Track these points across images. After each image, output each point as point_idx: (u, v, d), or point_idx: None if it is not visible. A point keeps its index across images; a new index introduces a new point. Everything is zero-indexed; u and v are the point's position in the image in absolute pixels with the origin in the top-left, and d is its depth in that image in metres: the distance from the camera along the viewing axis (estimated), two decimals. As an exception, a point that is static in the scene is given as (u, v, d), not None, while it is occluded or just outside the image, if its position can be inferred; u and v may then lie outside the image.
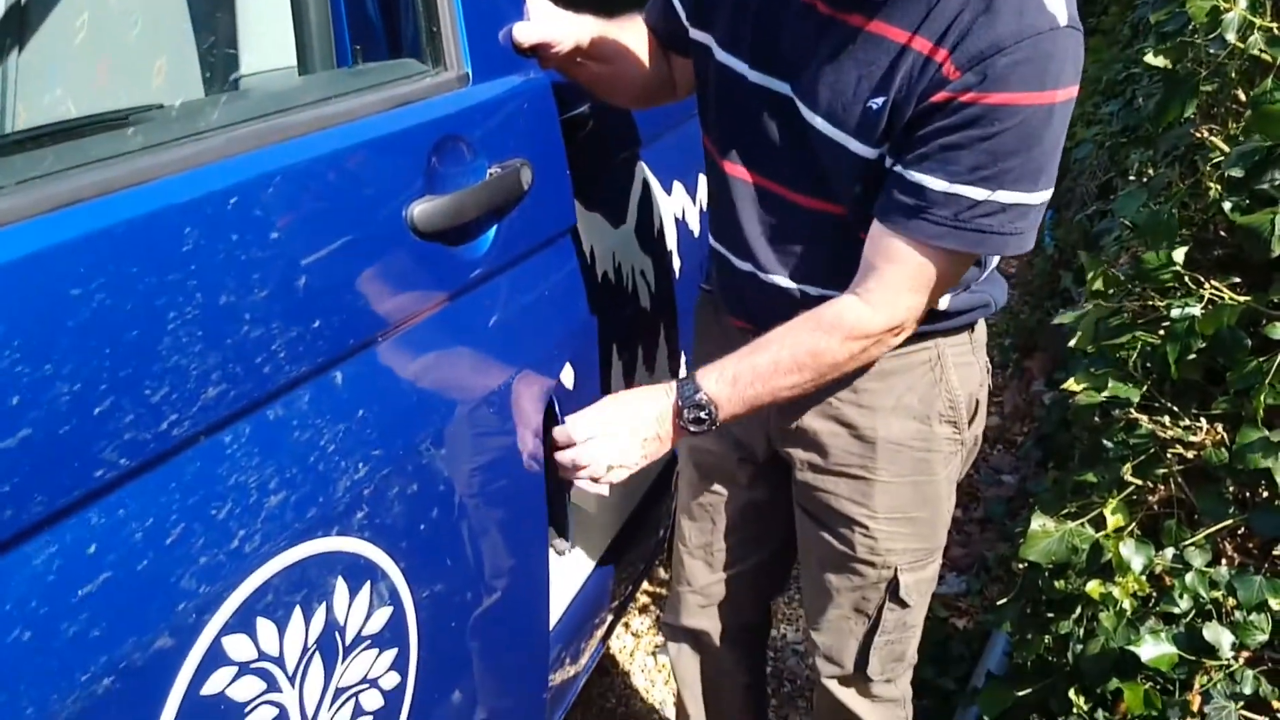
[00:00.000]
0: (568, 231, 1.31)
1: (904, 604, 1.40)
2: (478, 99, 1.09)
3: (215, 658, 0.77)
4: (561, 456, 1.22)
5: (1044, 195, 1.12)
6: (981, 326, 1.38)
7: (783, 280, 1.28)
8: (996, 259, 1.31)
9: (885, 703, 1.52)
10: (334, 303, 0.88)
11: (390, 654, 0.95)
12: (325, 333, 0.87)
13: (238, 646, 0.79)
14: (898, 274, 1.15)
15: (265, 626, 0.81)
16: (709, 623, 1.62)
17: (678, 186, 1.83)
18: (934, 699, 2.03)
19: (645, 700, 2.17)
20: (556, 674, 1.63)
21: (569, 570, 1.58)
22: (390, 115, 0.98)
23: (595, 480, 1.23)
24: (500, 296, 1.14)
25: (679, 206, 1.84)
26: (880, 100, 1.11)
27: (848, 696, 1.50)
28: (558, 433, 1.22)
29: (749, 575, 1.59)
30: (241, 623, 0.78)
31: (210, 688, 0.77)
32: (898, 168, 1.12)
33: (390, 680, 0.96)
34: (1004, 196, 1.08)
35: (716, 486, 1.52)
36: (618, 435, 1.22)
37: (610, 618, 1.88)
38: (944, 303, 1.27)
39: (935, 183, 1.09)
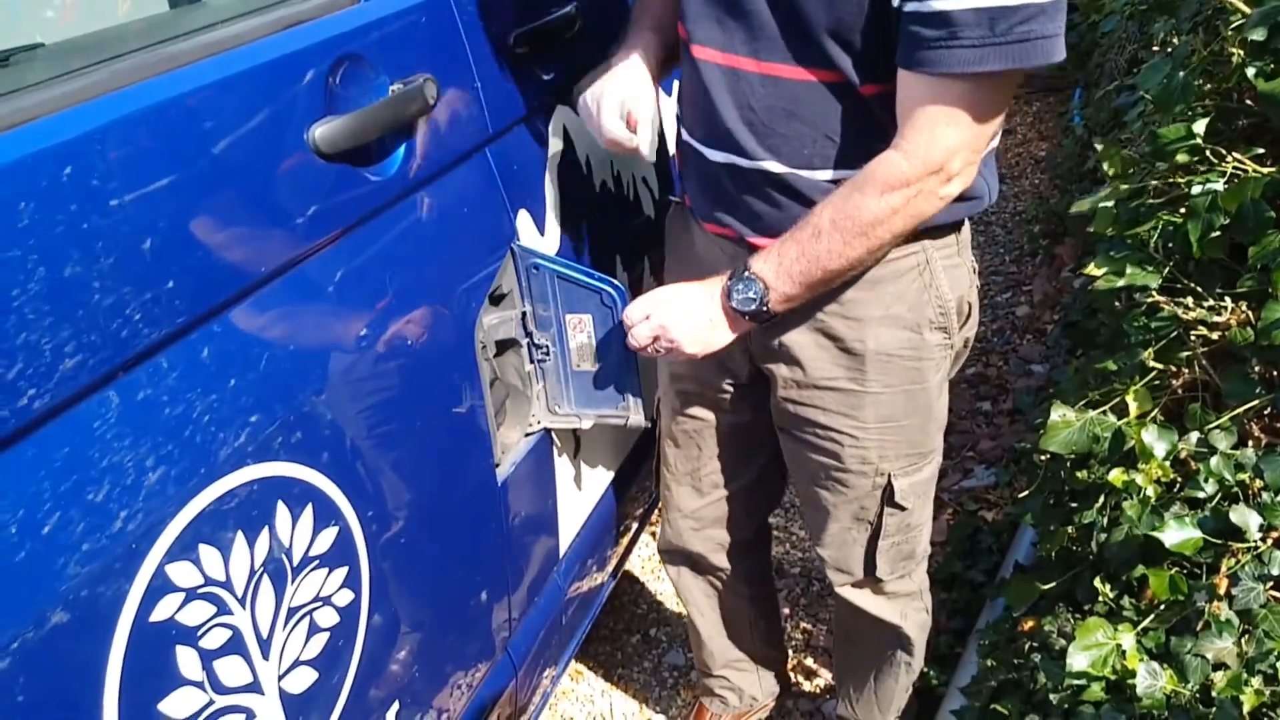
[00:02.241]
0: (485, 145, 1.27)
1: (901, 508, 1.39)
2: (372, 15, 1.06)
3: (161, 585, 0.79)
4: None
5: None
6: (966, 225, 1.32)
7: (770, 165, 1.20)
8: (995, 141, 1.23)
9: (901, 597, 1.52)
10: (245, 231, 0.89)
11: (340, 572, 0.98)
12: (239, 261, 0.88)
13: (182, 573, 0.81)
14: (930, 113, 1.06)
15: (209, 553, 0.83)
16: (703, 545, 1.62)
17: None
18: (963, 591, 2.04)
19: (674, 606, 2.20)
20: (581, 583, 1.65)
21: (586, 483, 1.59)
22: (282, 37, 0.96)
23: (656, 352, 1.25)
24: (418, 213, 1.12)
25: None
26: None
27: (863, 599, 1.50)
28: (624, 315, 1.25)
29: (739, 496, 1.58)
30: (183, 550, 0.81)
31: (159, 614, 0.79)
32: (910, 4, 1.02)
33: (344, 597, 0.99)
34: None
35: (699, 411, 1.49)
36: (669, 314, 1.22)
37: (635, 526, 1.90)
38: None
39: (960, 2, 0.99)
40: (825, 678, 2.01)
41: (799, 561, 2.29)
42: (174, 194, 0.82)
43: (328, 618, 0.97)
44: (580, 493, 1.56)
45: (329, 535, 0.95)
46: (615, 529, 1.73)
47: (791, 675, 2.00)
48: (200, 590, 0.82)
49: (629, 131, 1.26)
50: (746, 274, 1.17)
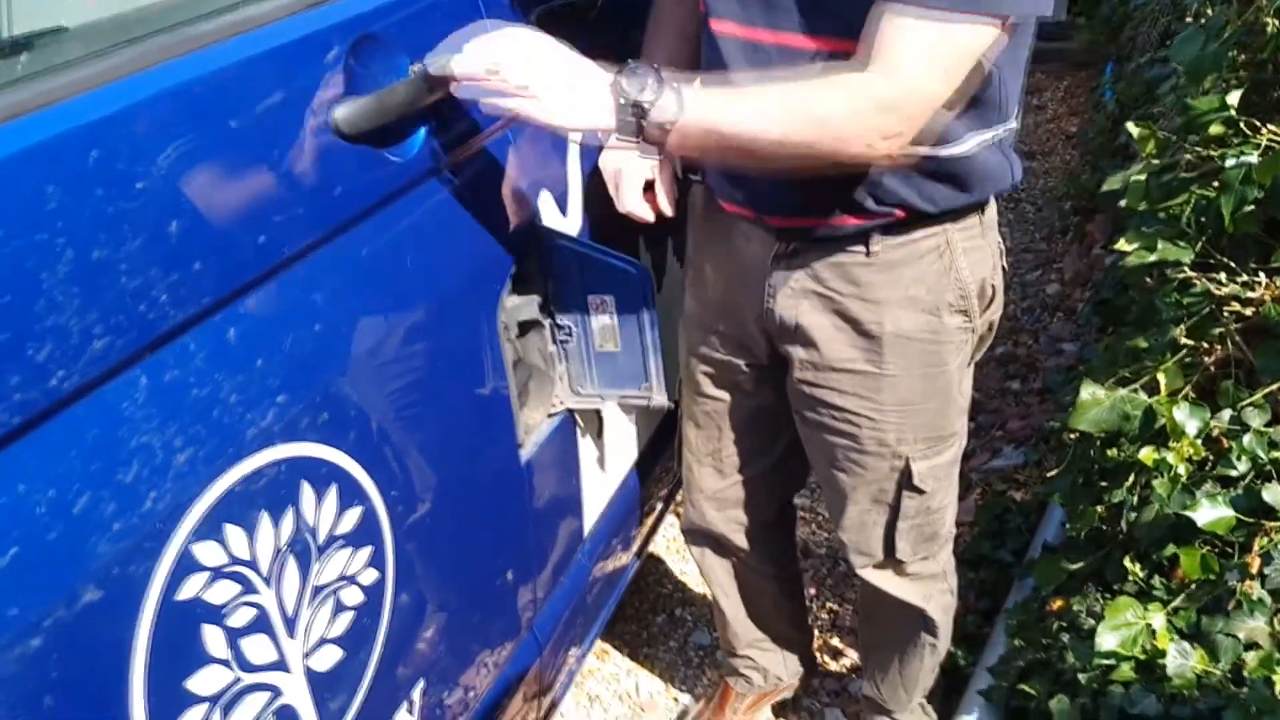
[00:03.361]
0: (508, 125, 1.25)
1: (920, 491, 1.37)
2: None
3: (187, 565, 0.79)
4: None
5: None
6: (992, 205, 1.29)
7: None
8: (1014, 121, 1.21)
9: (924, 579, 1.51)
10: (268, 213, 0.88)
11: (365, 552, 0.98)
12: (264, 242, 0.88)
13: (208, 553, 0.81)
14: (911, 50, 1.00)
15: (234, 532, 0.83)
16: (726, 526, 1.62)
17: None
18: (991, 571, 2.02)
19: (699, 586, 2.20)
20: (605, 562, 1.65)
21: (610, 464, 1.59)
22: (301, 18, 0.96)
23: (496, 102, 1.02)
24: (441, 194, 1.11)
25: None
26: None
27: (885, 580, 1.49)
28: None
29: (760, 478, 1.57)
30: (210, 530, 0.81)
31: (185, 593, 0.79)
32: None
33: (369, 576, 0.99)
34: None
35: (720, 392, 1.48)
36: (552, 65, 1.02)
37: (659, 506, 1.90)
38: (954, 178, 1.18)
39: None
40: (851, 657, 2.01)
41: (824, 542, 2.29)
42: (198, 176, 0.82)
43: (353, 596, 0.97)
44: (604, 473, 1.56)
45: (354, 515, 0.96)
46: (639, 509, 1.73)
47: (817, 655, 1.99)
48: (226, 569, 0.83)
49: (647, 207, 1.31)
50: (647, 74, 1.02)
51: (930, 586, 1.53)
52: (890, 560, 1.46)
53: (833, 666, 2.00)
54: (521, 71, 0.99)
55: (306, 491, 0.90)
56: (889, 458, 1.35)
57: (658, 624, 2.15)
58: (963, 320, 1.29)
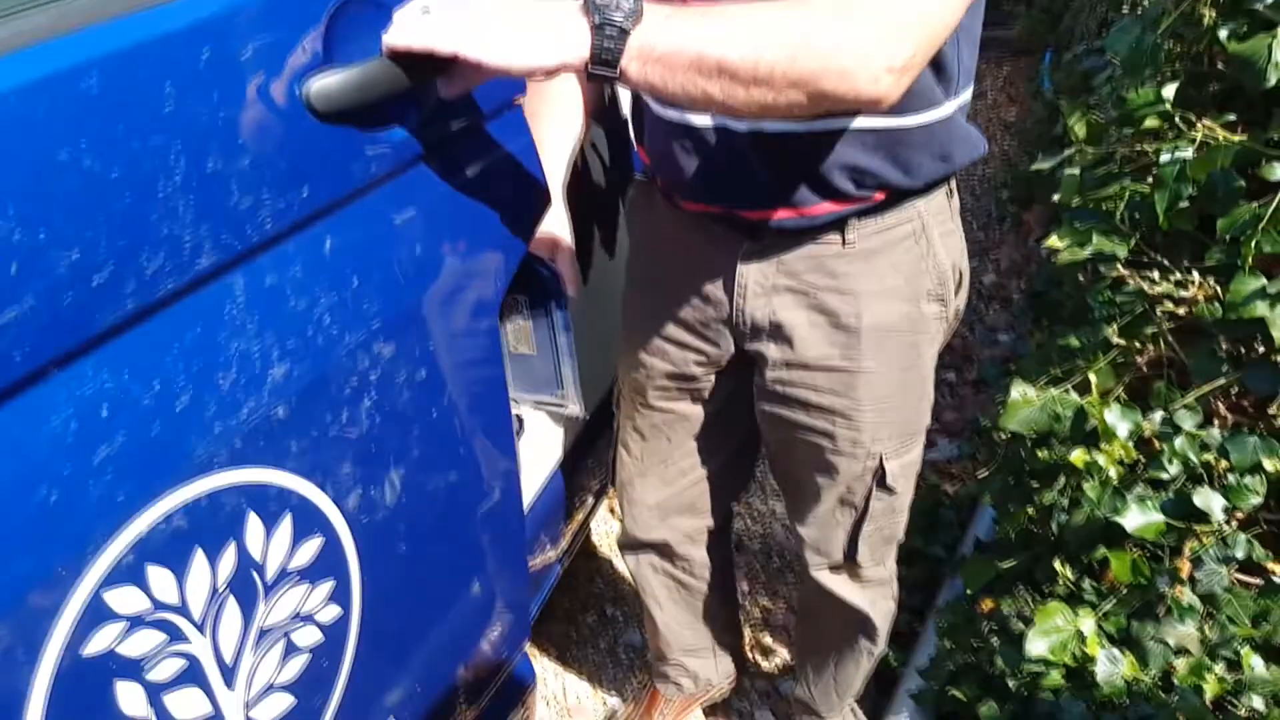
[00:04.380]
0: (515, 104, 1.16)
1: (891, 491, 1.32)
2: None
3: (97, 614, 0.70)
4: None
5: None
6: (955, 192, 1.25)
7: (766, 123, 1.09)
8: (968, 94, 1.16)
9: (874, 584, 1.46)
10: (223, 202, 0.77)
11: (325, 586, 0.89)
12: (214, 236, 0.77)
13: (123, 599, 0.72)
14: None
15: (158, 574, 0.74)
16: (669, 533, 1.56)
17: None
18: (923, 567, 1.99)
19: (630, 583, 2.15)
20: (534, 558, 1.58)
21: (541, 454, 1.52)
22: None
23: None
24: (430, 185, 0.99)
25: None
26: None
27: (836, 583, 1.44)
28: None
29: (707, 483, 1.51)
30: (125, 574, 0.71)
31: (94, 647, 0.70)
32: None
33: (329, 613, 0.90)
34: None
35: (671, 404, 1.41)
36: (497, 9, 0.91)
37: (591, 500, 1.84)
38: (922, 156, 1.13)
39: None
40: (783, 656, 1.97)
41: (759, 537, 2.24)
42: (139, 153, 0.71)
43: (308, 637, 0.88)
44: (526, 473, 1.49)
45: (312, 547, 0.86)
46: (565, 509, 1.67)
47: (749, 654, 1.96)
48: (148, 617, 0.73)
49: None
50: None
51: (877, 592, 1.48)
52: (848, 563, 1.42)
53: (764, 665, 1.96)
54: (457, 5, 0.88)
55: (253, 523, 0.80)
56: (863, 458, 1.30)
57: (588, 623, 2.09)
58: (939, 308, 1.24)
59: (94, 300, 0.69)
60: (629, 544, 1.59)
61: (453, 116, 1.00)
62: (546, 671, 1.99)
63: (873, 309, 1.20)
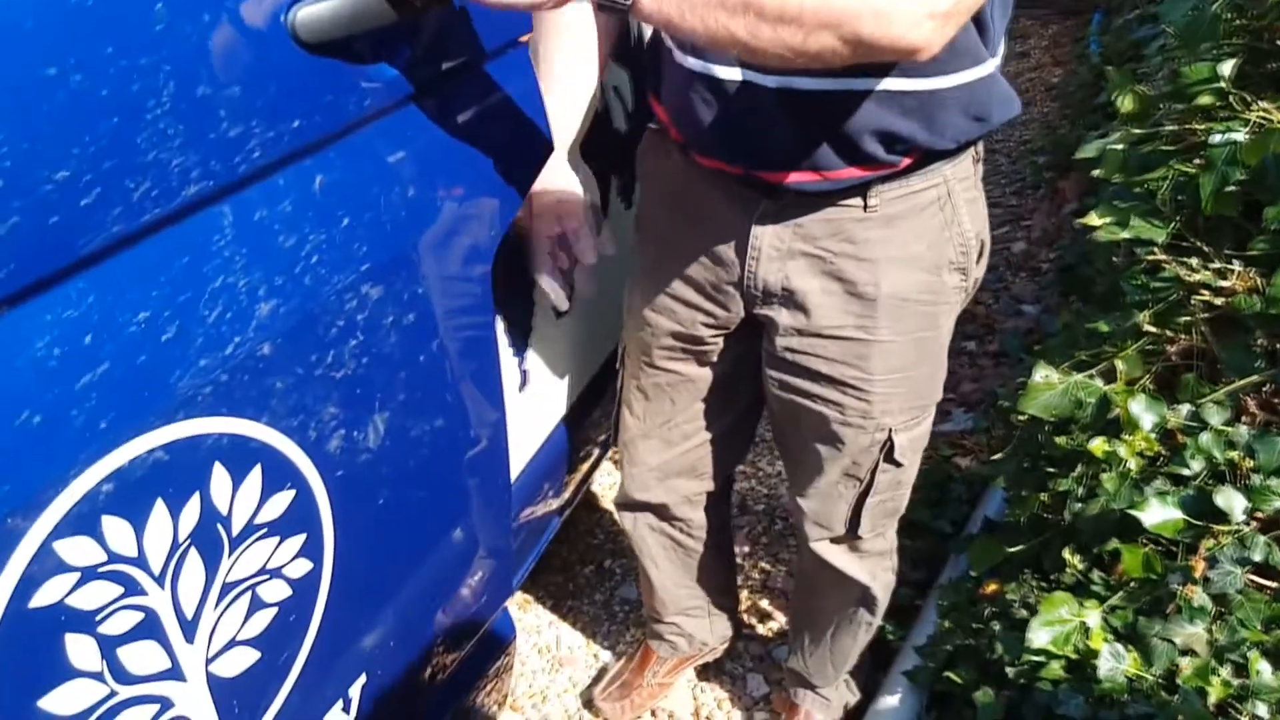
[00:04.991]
0: (519, 43, 1.09)
1: (898, 464, 1.28)
2: None
3: (47, 565, 0.67)
4: None
5: None
6: (980, 158, 1.18)
7: (795, 80, 1.02)
8: (999, 58, 1.09)
9: (874, 556, 1.43)
10: (202, 134, 0.73)
11: (296, 540, 0.85)
12: (189, 170, 0.72)
13: (77, 550, 0.68)
14: None
15: (115, 525, 0.70)
16: (668, 495, 1.52)
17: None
18: (928, 541, 1.96)
19: (629, 538, 2.12)
20: (536, 507, 1.56)
21: (545, 404, 1.48)
22: None
23: None
24: (422, 126, 0.94)
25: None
26: None
27: (836, 555, 1.41)
28: None
29: (710, 446, 1.47)
30: (77, 524, 0.68)
31: (42, 599, 0.67)
32: None
33: (299, 568, 0.86)
34: None
35: (676, 365, 1.36)
36: None
37: (596, 452, 1.81)
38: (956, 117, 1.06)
39: None
40: (779, 621, 1.95)
41: (763, 498, 2.21)
42: (104, 85, 0.66)
43: (275, 591, 0.85)
44: (526, 427, 1.45)
45: (282, 500, 0.83)
46: (568, 460, 1.64)
47: (745, 617, 1.93)
48: (102, 569, 0.70)
49: (559, 289, 1.23)
50: None
51: (878, 564, 1.45)
52: (849, 535, 1.39)
53: (759, 630, 1.94)
54: None
55: (219, 474, 0.77)
56: (871, 430, 1.25)
57: (584, 575, 2.08)
58: (960, 278, 1.18)
59: (45, 238, 0.65)
60: (627, 503, 1.56)
61: (448, 54, 0.95)
62: (540, 621, 1.98)
63: (892, 277, 1.14)
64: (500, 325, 1.27)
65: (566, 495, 1.75)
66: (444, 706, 1.18)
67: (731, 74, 1.06)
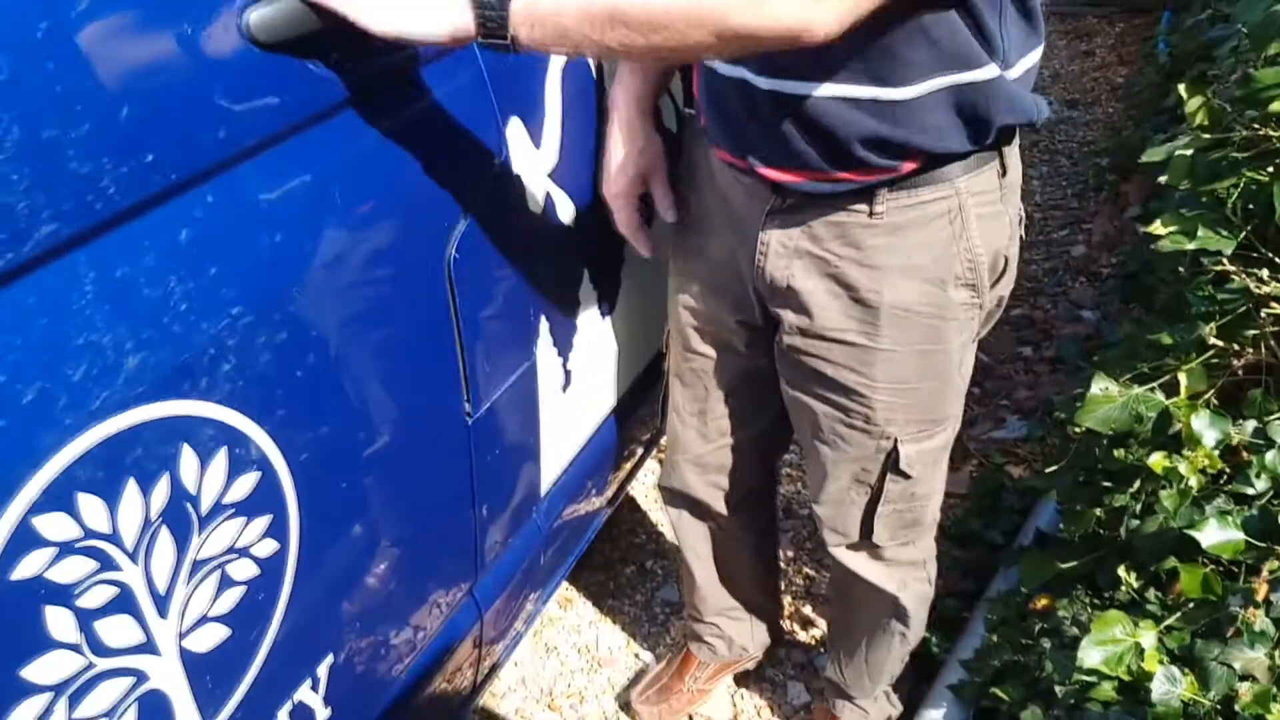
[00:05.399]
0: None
1: (905, 475, 1.26)
2: None
3: (25, 540, 0.69)
4: None
5: None
6: (1017, 167, 1.15)
7: (784, 84, 1.02)
8: (1015, 68, 1.05)
9: (902, 565, 1.40)
10: (160, 131, 0.75)
11: (262, 521, 0.87)
12: (154, 165, 0.75)
13: (54, 526, 0.70)
14: None
15: (90, 502, 0.72)
16: (706, 491, 1.51)
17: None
18: (978, 551, 1.92)
19: (672, 539, 2.10)
20: (579, 505, 1.55)
21: (589, 404, 1.48)
22: None
23: None
24: (382, 120, 0.96)
25: None
26: None
27: (858, 563, 1.39)
28: None
29: (747, 444, 1.45)
30: (55, 501, 0.70)
31: (22, 572, 0.69)
32: None
33: (266, 547, 0.88)
34: None
35: (707, 349, 1.36)
36: None
37: (640, 450, 1.79)
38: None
39: None
40: (822, 628, 1.92)
41: (809, 503, 2.17)
42: (66, 73, 0.69)
43: (244, 570, 0.87)
44: (571, 426, 1.44)
45: (248, 481, 0.85)
46: (613, 460, 1.63)
47: (787, 623, 1.91)
48: (78, 544, 0.72)
49: (645, 239, 1.29)
50: None
51: (907, 574, 1.42)
52: (865, 543, 1.37)
53: (801, 637, 1.91)
54: None
55: (187, 455, 0.79)
56: (876, 437, 1.24)
57: (626, 575, 2.06)
58: (969, 295, 1.16)
59: (17, 226, 0.67)
60: (669, 490, 1.56)
61: (397, 51, 0.96)
62: (581, 620, 1.97)
63: (895, 286, 1.13)
64: (544, 327, 1.27)
65: (610, 494, 1.74)
66: (413, 689, 1.19)
67: (733, 71, 1.07)
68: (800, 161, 1.07)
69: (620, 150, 1.25)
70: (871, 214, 1.10)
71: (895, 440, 1.24)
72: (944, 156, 1.06)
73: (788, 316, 1.20)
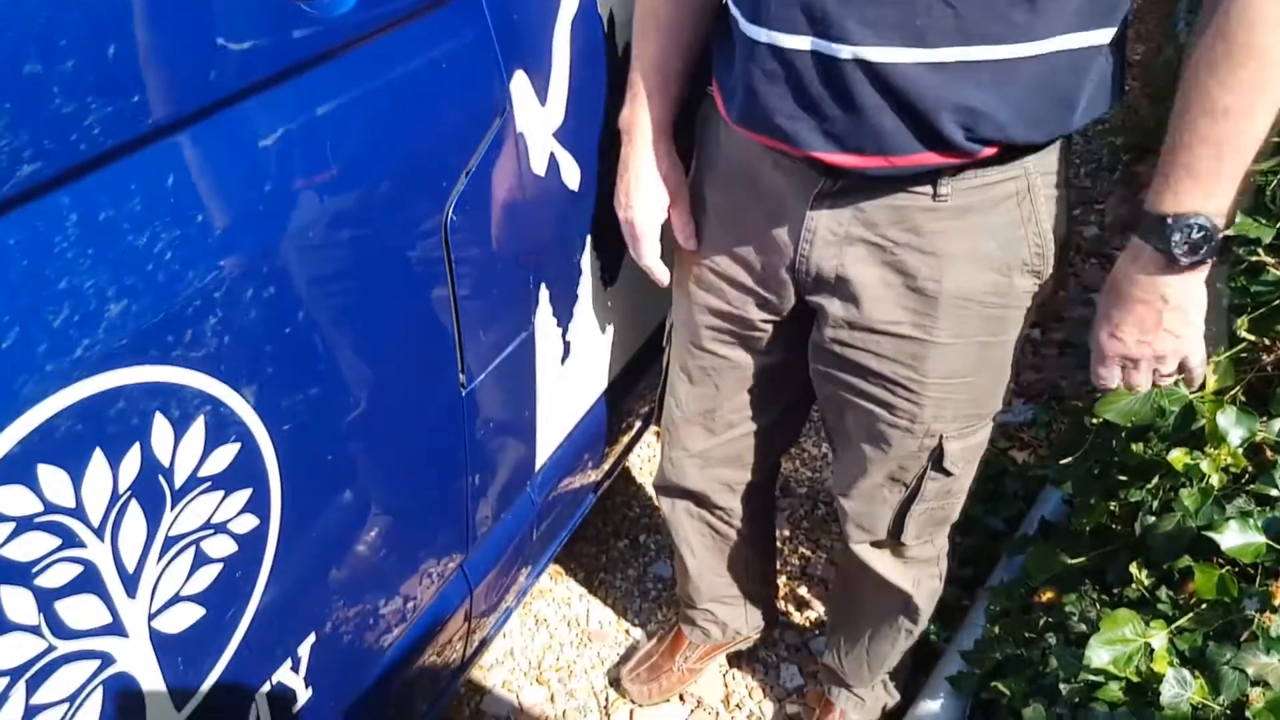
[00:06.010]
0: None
1: (948, 473, 1.20)
2: None
3: None
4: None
5: None
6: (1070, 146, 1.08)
7: (868, 50, 0.91)
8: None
9: (919, 562, 1.35)
10: (143, 71, 0.69)
11: (241, 495, 0.82)
12: (137, 107, 0.68)
13: (11, 499, 0.65)
14: None
15: (51, 474, 0.67)
16: (708, 484, 1.45)
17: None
18: (979, 537, 1.88)
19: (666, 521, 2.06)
20: (574, 479, 1.51)
21: (588, 376, 1.42)
22: None
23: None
24: (376, 66, 0.89)
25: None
26: None
27: (877, 559, 1.33)
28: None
29: (755, 437, 1.39)
30: (15, 472, 0.65)
31: None
32: None
33: (244, 523, 0.84)
34: None
35: (724, 349, 1.28)
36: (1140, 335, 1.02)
37: (638, 425, 1.75)
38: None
39: None
40: (817, 610, 1.88)
41: (807, 481, 2.14)
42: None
43: (220, 547, 0.82)
44: (569, 398, 1.39)
45: (227, 453, 0.80)
46: (610, 434, 1.58)
47: (782, 604, 1.87)
48: (38, 519, 0.67)
49: (664, 267, 1.25)
50: (1172, 220, 0.95)
51: (922, 571, 1.38)
52: (892, 541, 1.31)
53: (796, 618, 1.87)
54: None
55: (160, 425, 0.73)
56: (920, 435, 1.17)
57: (619, 549, 2.02)
58: (1033, 282, 1.08)
59: None
60: (666, 487, 1.50)
61: None
62: (571, 594, 1.93)
63: (956, 275, 1.05)
64: (545, 296, 1.21)
65: (606, 467, 1.70)
66: (399, 667, 1.15)
67: (799, 43, 0.95)
68: (872, 141, 0.96)
69: (642, 176, 1.17)
70: (935, 196, 1.01)
71: (940, 437, 1.17)
72: (1022, 147, 0.98)
73: (832, 308, 1.12)
